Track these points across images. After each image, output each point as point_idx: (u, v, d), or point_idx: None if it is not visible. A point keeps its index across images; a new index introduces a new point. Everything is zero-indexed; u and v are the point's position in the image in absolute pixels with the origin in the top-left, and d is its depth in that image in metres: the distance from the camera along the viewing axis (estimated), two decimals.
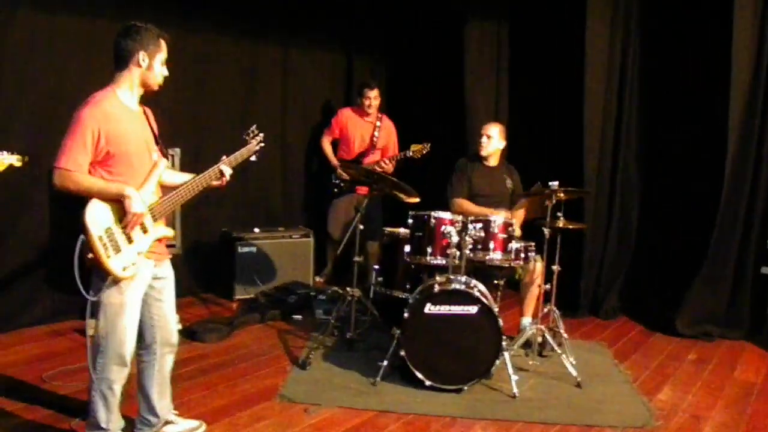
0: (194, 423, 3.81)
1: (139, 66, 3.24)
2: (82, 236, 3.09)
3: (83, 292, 3.13)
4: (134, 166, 3.25)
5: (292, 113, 7.43)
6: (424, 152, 6.48)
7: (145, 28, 3.27)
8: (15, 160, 3.18)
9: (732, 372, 5.16)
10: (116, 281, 3.18)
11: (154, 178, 3.36)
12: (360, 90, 6.95)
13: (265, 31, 7.00)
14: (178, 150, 5.37)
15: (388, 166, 6.69)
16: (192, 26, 6.28)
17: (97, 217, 3.12)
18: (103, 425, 3.35)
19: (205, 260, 6.64)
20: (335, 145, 7.07)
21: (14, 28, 5.18)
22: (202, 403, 4.19)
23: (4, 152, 3.19)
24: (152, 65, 3.28)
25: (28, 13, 5.24)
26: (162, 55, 3.32)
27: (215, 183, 3.60)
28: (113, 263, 3.13)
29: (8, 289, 5.30)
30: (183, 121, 6.28)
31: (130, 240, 3.21)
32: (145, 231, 3.29)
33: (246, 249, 6.47)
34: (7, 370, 4.50)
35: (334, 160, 6.92)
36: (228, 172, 3.60)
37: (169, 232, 3.47)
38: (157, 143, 3.44)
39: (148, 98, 3.43)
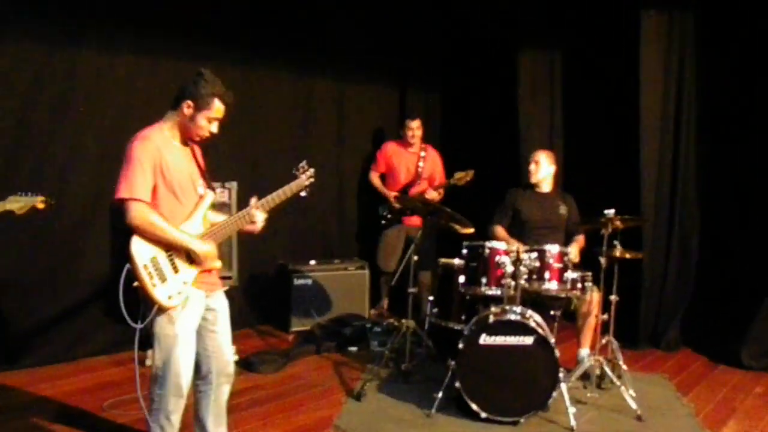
0: None
1: (183, 114, 3.33)
2: (128, 265, 3.16)
3: (128, 320, 3.19)
4: (180, 198, 3.33)
5: (347, 146, 7.52)
6: (468, 179, 6.44)
7: (206, 80, 3.32)
8: (38, 202, 3.30)
9: None
10: (164, 311, 3.23)
11: (201, 211, 3.43)
12: (402, 121, 7.03)
13: (319, 65, 7.12)
14: (234, 184, 5.45)
15: (433, 195, 6.69)
16: (250, 62, 6.44)
17: (143, 245, 3.20)
18: None
19: (262, 292, 6.71)
20: (383, 179, 7.11)
21: (80, 66, 5.39)
22: None
23: (29, 193, 3.31)
24: (195, 118, 3.33)
25: (92, 53, 5.44)
26: (210, 113, 3.35)
27: (248, 227, 3.58)
28: (158, 292, 3.20)
29: (70, 319, 5.45)
30: (240, 155, 6.42)
31: (176, 269, 3.28)
32: (190, 262, 3.34)
33: (302, 281, 6.52)
34: (68, 398, 4.62)
35: (385, 191, 6.95)
36: (260, 217, 3.58)
37: (217, 264, 3.50)
38: (203, 177, 3.51)
39: None
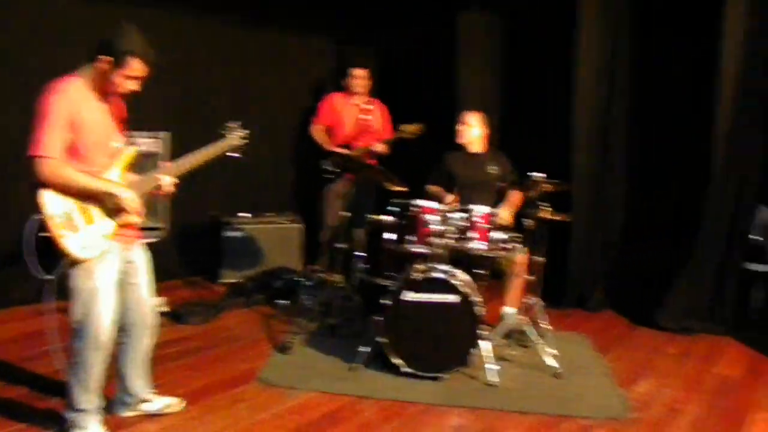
0: (170, 400, 3.85)
1: (99, 68, 3.19)
2: (37, 215, 3.10)
3: (33, 271, 3.14)
4: (91, 155, 3.24)
5: (283, 99, 7.45)
6: (418, 133, 6.41)
7: (125, 36, 3.18)
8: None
9: (712, 366, 5.18)
10: (78, 263, 3.19)
11: (119, 165, 3.36)
12: (347, 71, 6.84)
13: (259, 17, 7.00)
14: (166, 134, 5.37)
15: (382, 148, 6.67)
16: (185, 11, 6.31)
17: (55, 196, 3.12)
18: (81, 406, 3.38)
19: (193, 244, 6.67)
20: (326, 132, 7.02)
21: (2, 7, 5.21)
22: (183, 383, 4.23)
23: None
24: (110, 75, 3.20)
25: None
26: (126, 71, 3.21)
27: (158, 192, 3.50)
28: (70, 243, 3.14)
29: None
30: (173, 105, 6.32)
31: (90, 221, 3.22)
32: (107, 215, 3.29)
33: (233, 233, 6.50)
34: None
35: (329, 146, 6.84)
36: (167, 180, 3.48)
37: (136, 219, 3.44)
38: (123, 131, 3.44)
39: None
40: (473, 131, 5.61)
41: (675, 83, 6.28)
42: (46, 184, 3.10)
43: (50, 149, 3.07)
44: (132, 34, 3.20)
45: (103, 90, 3.26)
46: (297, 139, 7.48)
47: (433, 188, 5.67)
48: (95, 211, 3.25)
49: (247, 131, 3.74)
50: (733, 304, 6.03)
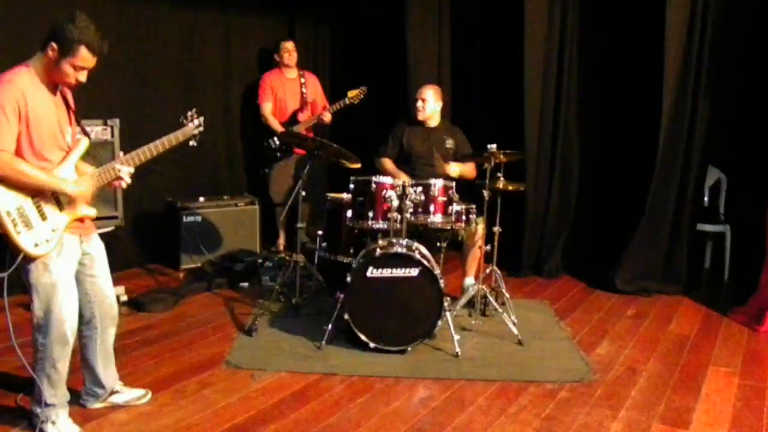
0: (140, 392, 3.84)
1: (49, 56, 3.10)
2: None
3: None
4: (45, 149, 3.18)
5: (234, 79, 7.38)
6: (362, 96, 6.52)
7: (75, 25, 3.06)
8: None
9: (667, 326, 5.33)
10: (33, 259, 3.15)
11: (72, 159, 3.30)
12: (276, 47, 6.96)
13: None
14: (117, 121, 5.27)
15: (328, 118, 6.71)
16: None
17: (6, 193, 3.06)
18: (49, 401, 3.36)
19: (150, 231, 6.59)
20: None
21: None
22: (149, 372, 4.22)
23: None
24: (59, 62, 3.10)
25: None
26: (75, 61, 3.10)
27: (115, 183, 3.45)
28: (23, 239, 3.09)
29: None
30: (122, 91, 6.19)
31: (43, 217, 3.18)
32: (60, 209, 3.25)
33: (191, 218, 6.44)
34: None
35: (279, 126, 6.84)
36: (126, 171, 3.41)
37: (92, 212, 3.41)
38: (75, 123, 3.39)
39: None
40: (430, 106, 5.65)
41: (624, 46, 6.35)
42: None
43: (2, 142, 3.00)
44: (83, 22, 3.10)
45: (52, 79, 3.18)
46: (251, 119, 7.43)
47: (388, 165, 5.70)
48: (48, 206, 3.20)
49: (201, 119, 3.70)
50: (687, 265, 6.18)
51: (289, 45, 6.89)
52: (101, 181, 3.38)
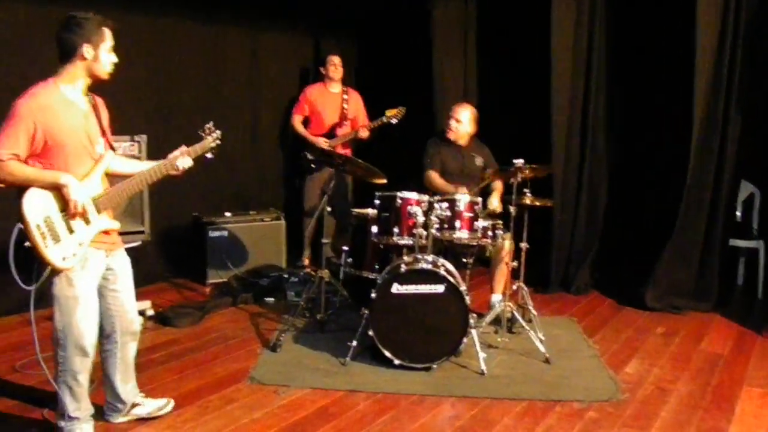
0: (161, 402, 3.85)
1: (85, 59, 3.19)
2: (19, 224, 3.07)
3: (18, 281, 3.10)
4: (70, 160, 3.21)
5: (261, 96, 7.44)
6: (400, 116, 6.52)
7: (86, 18, 3.19)
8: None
9: (699, 344, 5.23)
10: (59, 272, 3.17)
11: (99, 171, 3.33)
12: (323, 61, 7.00)
13: (231, 14, 6.97)
14: (144, 136, 5.31)
15: (365, 134, 6.71)
16: (158, 10, 6.25)
17: (36, 205, 3.10)
18: (72, 414, 3.38)
19: (177, 245, 6.63)
20: (306, 123, 7.04)
21: None
22: (174, 387, 4.21)
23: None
24: (98, 56, 3.22)
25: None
26: (107, 43, 3.26)
27: (172, 172, 3.56)
28: (51, 253, 3.11)
29: None
30: (151, 107, 6.27)
31: (71, 230, 3.20)
32: (87, 222, 3.26)
33: (217, 233, 6.46)
34: None
35: (310, 137, 6.89)
36: (186, 164, 3.56)
37: (115, 225, 3.44)
38: (104, 135, 3.41)
39: (111, 85, 3.40)
40: (463, 127, 5.62)
41: (653, 61, 6.29)
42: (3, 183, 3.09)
43: (1, 152, 3.03)
44: (80, 14, 3.22)
45: (97, 77, 3.28)
46: (278, 134, 7.46)
47: (436, 178, 5.62)
48: (76, 220, 3.21)
49: (219, 132, 3.75)
50: (719, 281, 6.07)
51: (335, 59, 6.90)
52: (161, 173, 3.51)
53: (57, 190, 3.14)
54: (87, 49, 3.18)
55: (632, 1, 6.34)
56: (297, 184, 7.11)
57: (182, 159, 3.56)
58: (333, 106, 6.94)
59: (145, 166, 3.54)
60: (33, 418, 3.72)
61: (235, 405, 3.99)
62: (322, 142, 6.78)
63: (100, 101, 3.44)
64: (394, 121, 6.57)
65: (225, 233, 6.50)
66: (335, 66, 6.89)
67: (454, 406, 4.08)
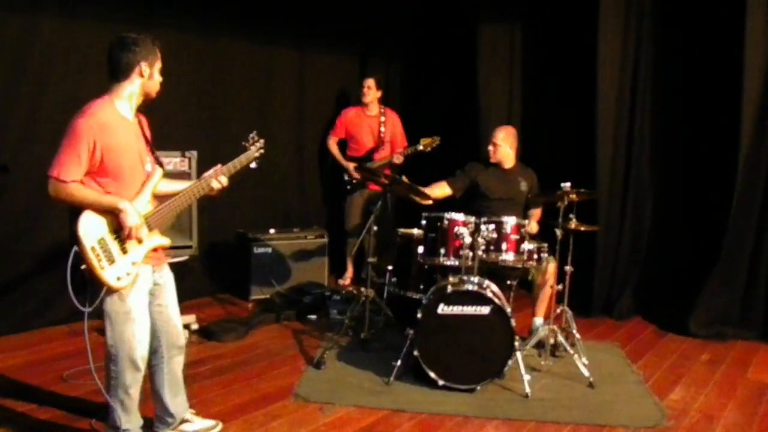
0: (210, 423, 3.87)
1: (142, 77, 3.28)
2: (75, 247, 3.12)
3: (75, 302, 3.13)
4: (126, 179, 3.27)
5: (308, 114, 7.54)
6: (434, 145, 6.54)
7: (142, 38, 3.28)
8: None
9: (745, 372, 5.17)
10: (112, 291, 3.23)
11: (148, 189, 3.39)
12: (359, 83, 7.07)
13: (280, 34, 7.09)
14: (194, 153, 5.41)
15: (400, 160, 6.74)
16: (210, 30, 6.39)
17: (90, 227, 3.15)
18: (123, 426, 3.42)
19: (222, 261, 6.72)
20: (344, 144, 7.12)
21: (36, 35, 5.27)
22: (218, 401, 4.26)
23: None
24: (153, 74, 3.33)
25: (51, 18, 5.32)
26: (159, 63, 3.37)
27: (208, 192, 3.59)
28: (107, 274, 3.17)
29: (28, 289, 5.39)
30: (200, 124, 6.39)
31: (124, 251, 3.25)
32: (140, 242, 3.32)
33: (261, 250, 6.54)
34: (27, 370, 4.59)
35: (343, 161, 6.99)
36: (222, 183, 3.59)
37: (165, 242, 3.49)
38: (152, 153, 3.48)
39: (163, 101, 3.48)
40: (502, 150, 5.61)
41: (699, 86, 6.25)
42: (53, 201, 3.15)
43: (68, 173, 3.08)
44: (135, 33, 3.31)
45: (149, 96, 3.38)
46: (323, 153, 7.54)
47: (435, 189, 5.64)
48: (129, 242, 3.27)
49: (263, 141, 3.81)
50: (765, 309, 5.99)
51: (368, 81, 6.94)
52: (200, 193, 3.54)
53: (112, 214, 3.21)
54: (144, 68, 3.27)
55: (679, 25, 6.32)
56: (342, 205, 7.17)
57: (215, 179, 3.57)
58: (369, 128, 7.00)
59: (182, 186, 3.58)
60: (81, 428, 3.78)
61: (280, 421, 4.02)
62: (352, 168, 6.84)
63: (143, 120, 3.51)
64: (428, 149, 6.57)
65: (269, 250, 6.57)
66: (368, 88, 6.93)
67: (498, 429, 4.07)
